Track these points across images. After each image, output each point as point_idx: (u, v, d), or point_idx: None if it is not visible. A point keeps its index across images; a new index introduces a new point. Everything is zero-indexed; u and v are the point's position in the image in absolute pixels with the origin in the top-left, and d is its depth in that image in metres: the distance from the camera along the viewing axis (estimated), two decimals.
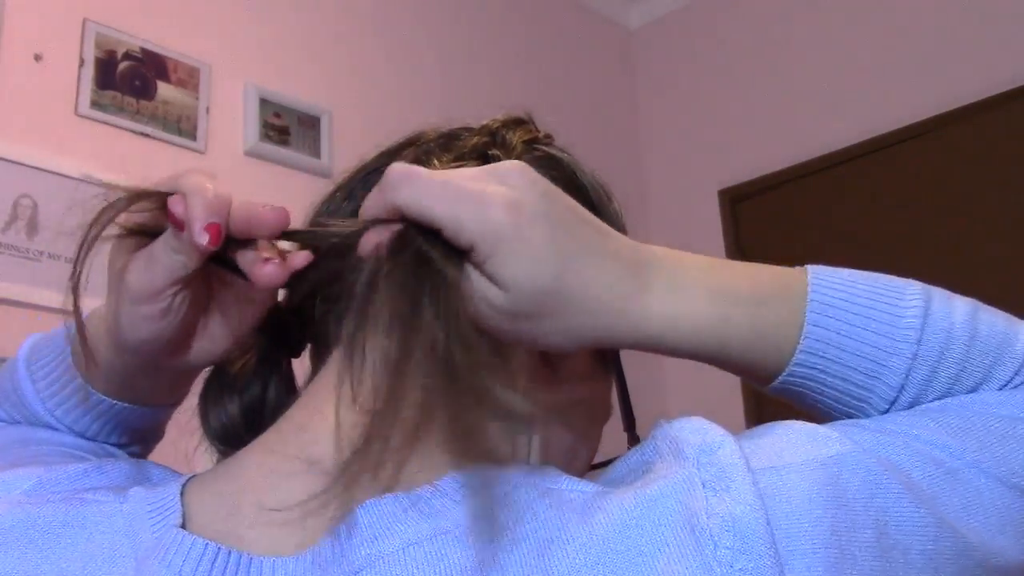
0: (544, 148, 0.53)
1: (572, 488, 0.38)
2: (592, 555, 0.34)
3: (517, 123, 0.54)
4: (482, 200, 0.39)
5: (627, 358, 0.53)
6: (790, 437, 0.40)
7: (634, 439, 0.50)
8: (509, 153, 0.50)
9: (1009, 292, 0.46)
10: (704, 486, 0.36)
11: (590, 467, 0.52)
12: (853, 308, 0.44)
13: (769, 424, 0.42)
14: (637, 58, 2.96)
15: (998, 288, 0.42)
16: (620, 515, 0.35)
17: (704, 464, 0.37)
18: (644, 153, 2.82)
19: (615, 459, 0.44)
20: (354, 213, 0.48)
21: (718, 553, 0.34)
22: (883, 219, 2.32)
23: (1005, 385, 0.45)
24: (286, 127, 2.00)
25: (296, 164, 1.98)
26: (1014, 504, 0.41)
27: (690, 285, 0.43)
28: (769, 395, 0.48)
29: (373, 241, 0.41)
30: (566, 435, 0.49)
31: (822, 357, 0.44)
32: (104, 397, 0.52)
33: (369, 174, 0.52)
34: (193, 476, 0.43)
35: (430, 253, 0.39)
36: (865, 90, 2.41)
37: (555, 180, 0.46)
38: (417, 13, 2.36)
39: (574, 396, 0.49)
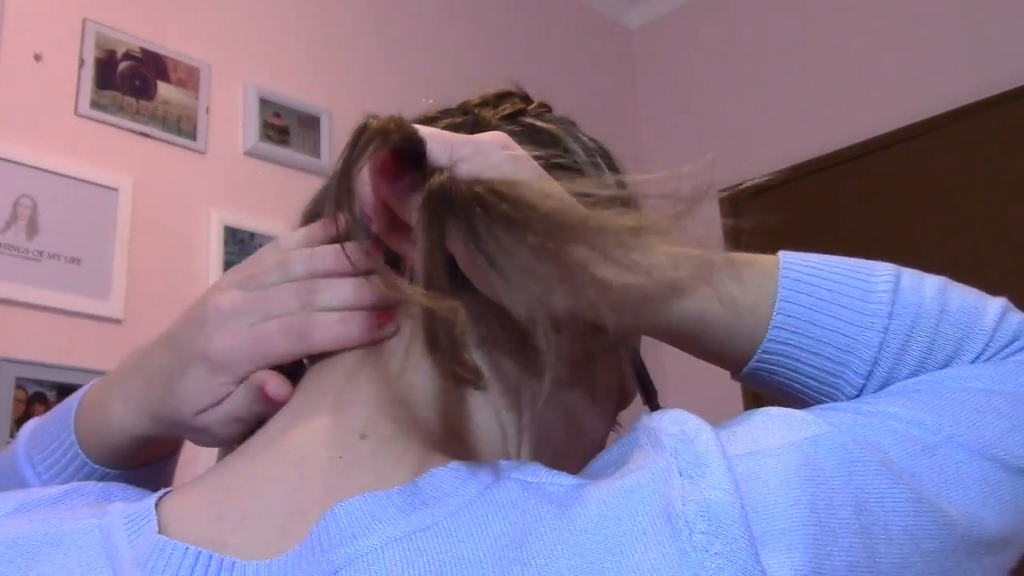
0: (527, 121, 0.52)
1: (552, 481, 0.38)
2: (570, 546, 0.34)
3: (500, 98, 0.54)
4: (467, 136, 0.42)
5: None
6: (766, 423, 0.40)
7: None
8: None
9: (1008, 292, 0.46)
10: (681, 474, 0.36)
11: None
12: (824, 284, 0.45)
13: (746, 412, 0.42)
14: (637, 58, 2.96)
15: (997, 288, 0.42)
16: (598, 506, 0.35)
17: (681, 452, 0.37)
18: (644, 153, 2.82)
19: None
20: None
21: (693, 538, 0.34)
22: (883, 219, 2.32)
23: (976, 358, 0.45)
24: (286, 127, 2.00)
25: (296, 164, 1.98)
26: (993, 476, 0.42)
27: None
28: (745, 383, 0.48)
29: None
30: (562, 425, 0.49)
31: (795, 332, 0.44)
32: (110, 469, 0.53)
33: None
34: (169, 490, 0.43)
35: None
36: (865, 90, 2.42)
37: (534, 155, 0.46)
38: (417, 13, 2.36)
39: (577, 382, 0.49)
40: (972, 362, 0.45)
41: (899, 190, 2.31)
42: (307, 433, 0.42)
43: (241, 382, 0.46)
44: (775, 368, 0.46)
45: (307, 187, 0.52)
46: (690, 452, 0.37)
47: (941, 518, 0.39)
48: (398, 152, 0.40)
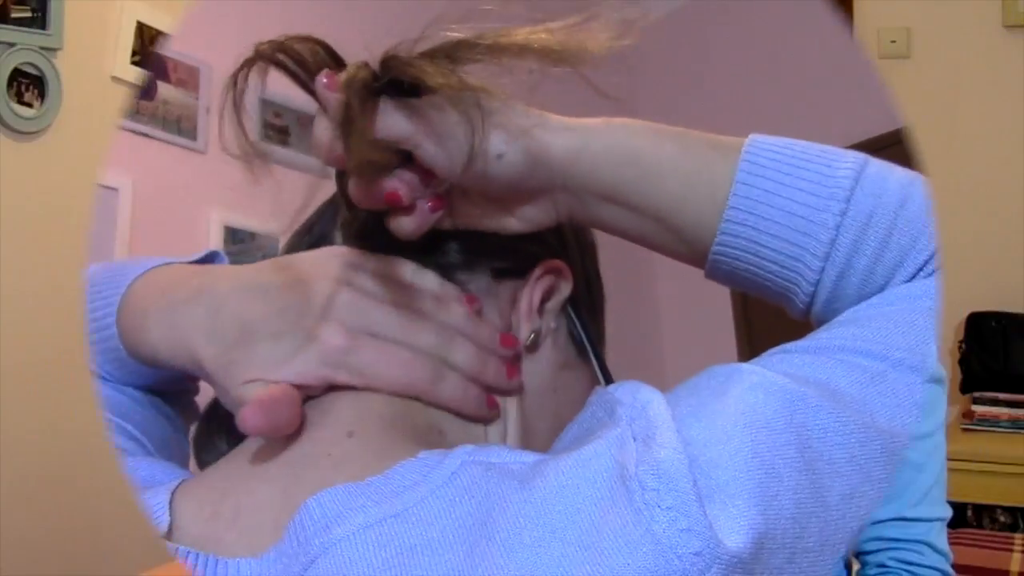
0: None
1: (515, 460, 0.40)
2: (532, 517, 0.35)
3: None
4: None
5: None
6: (710, 381, 0.41)
7: None
8: None
9: None
10: (635, 439, 0.38)
11: None
12: (784, 167, 0.46)
13: (695, 376, 0.43)
14: (637, 58, 2.96)
15: None
16: (557, 476, 0.37)
17: (635, 419, 0.39)
18: None
19: None
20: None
21: (645, 495, 0.35)
22: None
23: (919, 270, 0.45)
24: (286, 127, 2.01)
25: (296, 164, 1.98)
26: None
27: (611, 123, 0.47)
28: (714, 278, 0.48)
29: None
30: (549, 426, 0.51)
31: (752, 213, 0.45)
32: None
33: None
34: (183, 480, 0.45)
35: None
36: (864, 91, 2.42)
37: None
38: (416, 13, 2.36)
39: (553, 380, 0.52)
40: (914, 274, 0.45)
41: None
42: (299, 433, 0.44)
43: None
44: (736, 253, 0.46)
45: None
46: (643, 418, 0.39)
47: (892, 444, 0.40)
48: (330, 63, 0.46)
